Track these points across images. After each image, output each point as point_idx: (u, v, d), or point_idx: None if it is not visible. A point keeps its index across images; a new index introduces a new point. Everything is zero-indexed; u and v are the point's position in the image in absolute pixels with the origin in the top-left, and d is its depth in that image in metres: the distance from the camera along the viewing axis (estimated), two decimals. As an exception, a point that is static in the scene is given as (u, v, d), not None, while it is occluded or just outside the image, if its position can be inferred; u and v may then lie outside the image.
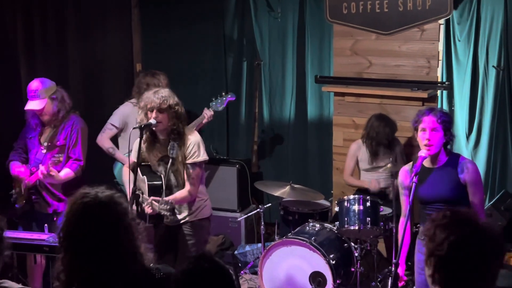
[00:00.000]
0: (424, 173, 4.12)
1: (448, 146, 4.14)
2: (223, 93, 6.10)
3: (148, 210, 4.42)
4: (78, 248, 2.38)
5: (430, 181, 4.11)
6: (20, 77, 6.10)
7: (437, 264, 2.12)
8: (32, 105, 4.91)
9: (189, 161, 4.59)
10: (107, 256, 2.37)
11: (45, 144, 5.00)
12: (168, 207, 4.33)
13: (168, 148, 4.50)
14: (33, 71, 6.12)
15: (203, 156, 4.65)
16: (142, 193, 4.52)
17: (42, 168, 4.83)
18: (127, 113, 5.72)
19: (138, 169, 4.58)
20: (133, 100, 5.74)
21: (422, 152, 4.13)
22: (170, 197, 4.46)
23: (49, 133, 5.04)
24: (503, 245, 2.18)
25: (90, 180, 4.82)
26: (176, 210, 4.51)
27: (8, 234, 4.72)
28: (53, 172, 4.83)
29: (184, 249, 4.67)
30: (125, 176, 4.78)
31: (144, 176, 4.57)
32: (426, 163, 4.14)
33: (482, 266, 2.09)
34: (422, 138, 4.06)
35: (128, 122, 5.62)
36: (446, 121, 4.03)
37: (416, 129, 4.10)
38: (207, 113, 5.91)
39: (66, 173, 4.97)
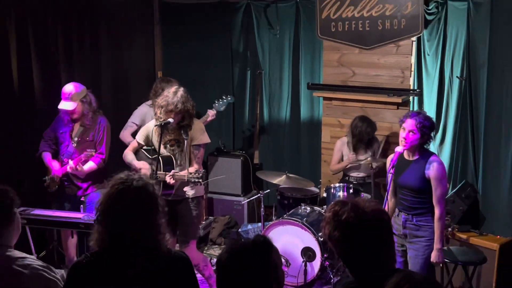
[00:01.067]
0: (403, 164, 4.17)
1: (426, 146, 4.16)
2: (224, 97, 6.09)
3: (171, 181, 4.42)
4: (111, 223, 2.37)
5: (405, 171, 4.14)
6: (61, 81, 6.08)
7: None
8: (65, 105, 4.90)
9: (194, 142, 4.61)
10: (134, 231, 2.35)
11: (76, 139, 5.01)
12: (200, 174, 4.35)
13: (181, 132, 4.53)
14: (71, 76, 6.11)
15: (205, 139, 4.69)
16: (156, 172, 4.49)
17: (71, 163, 4.85)
18: (145, 113, 5.72)
19: (144, 151, 4.65)
20: (149, 102, 5.74)
21: (398, 148, 4.17)
22: (185, 171, 4.44)
23: (79, 130, 5.02)
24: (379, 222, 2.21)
25: (113, 168, 4.88)
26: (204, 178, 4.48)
27: (50, 213, 4.82)
28: (80, 167, 4.83)
29: (186, 220, 4.64)
30: (129, 156, 4.76)
31: (159, 156, 4.52)
32: (407, 156, 4.17)
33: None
34: (400, 135, 4.10)
35: (145, 120, 5.61)
36: (426, 126, 4.03)
37: (400, 125, 4.13)
38: (211, 113, 5.92)
39: (90, 166, 4.94)
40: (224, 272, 2.17)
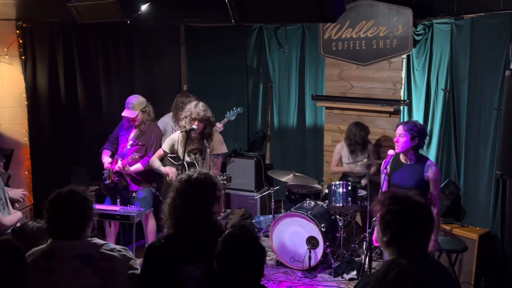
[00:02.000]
0: (399, 166, 4.15)
1: (420, 150, 4.14)
2: (234, 108, 6.03)
3: None
4: (177, 205, 2.50)
5: (401, 173, 4.12)
6: (100, 94, 6.14)
7: (384, 229, 2.16)
8: (127, 113, 4.99)
9: (214, 152, 4.63)
10: (197, 211, 2.48)
11: (130, 142, 5.05)
12: (225, 176, 4.40)
13: (204, 142, 4.55)
14: (110, 90, 6.18)
15: (224, 149, 4.75)
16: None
17: (119, 163, 4.92)
18: (166, 123, 5.71)
19: (170, 158, 4.65)
20: (170, 114, 5.74)
21: (391, 151, 4.15)
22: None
23: (135, 135, 5.07)
24: (429, 215, 2.18)
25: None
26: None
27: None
28: (127, 168, 4.91)
29: None
30: (156, 163, 4.80)
31: (184, 163, 4.56)
32: (402, 159, 4.15)
33: (415, 230, 2.12)
34: (394, 140, 4.11)
35: (166, 129, 5.61)
36: (413, 130, 4.02)
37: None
38: (218, 125, 5.75)
39: (136, 167, 4.99)
40: (221, 262, 2.20)
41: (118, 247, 2.54)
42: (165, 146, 4.78)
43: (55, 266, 2.38)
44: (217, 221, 2.58)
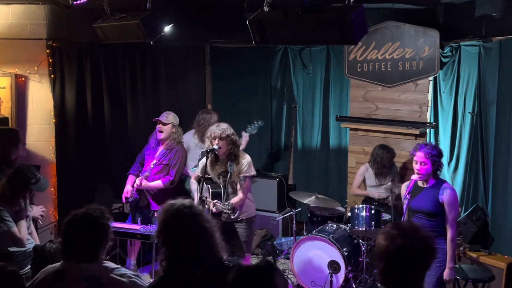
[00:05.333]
0: (417, 190, 4.03)
1: (438, 172, 4.02)
2: (255, 121, 5.96)
3: (213, 209, 4.43)
4: (169, 243, 2.34)
5: (419, 197, 4.01)
6: (126, 113, 6.22)
7: (381, 265, 2.07)
8: (161, 117, 5.10)
9: (242, 174, 4.58)
10: (189, 248, 2.31)
11: (154, 161, 5.08)
12: (230, 207, 4.35)
13: (228, 165, 4.51)
14: (136, 109, 6.25)
15: (252, 172, 4.66)
16: (206, 198, 4.52)
17: (137, 181, 4.95)
18: (188, 140, 5.71)
19: (203, 181, 4.59)
20: (192, 131, 5.77)
21: (414, 176, 4.04)
22: (230, 201, 4.47)
23: (160, 153, 5.11)
24: (431, 251, 2.08)
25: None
26: (234, 210, 4.46)
27: (113, 224, 4.87)
28: (144, 183, 4.97)
29: (240, 237, 4.65)
30: (193, 186, 4.81)
31: (208, 186, 4.57)
32: (420, 183, 4.04)
33: (414, 266, 2.03)
34: (414, 168, 3.99)
35: (189, 146, 5.63)
36: (434, 155, 3.91)
37: (412, 159, 4.02)
38: (244, 135, 5.77)
39: (156, 184, 5.02)
40: None
41: (130, 272, 2.51)
42: (199, 169, 4.76)
43: (63, 287, 2.39)
44: (218, 257, 2.38)
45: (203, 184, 4.51)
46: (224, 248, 2.41)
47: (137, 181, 4.97)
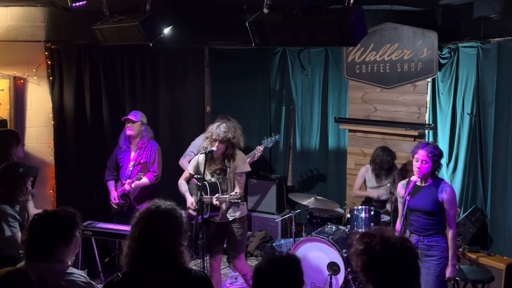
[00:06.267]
0: (416, 189, 4.04)
1: (436, 172, 4.03)
2: (273, 134, 6.01)
3: (217, 203, 4.46)
4: (139, 239, 2.30)
5: (417, 196, 4.01)
6: (125, 115, 6.14)
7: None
8: (130, 116, 5.20)
9: (238, 170, 4.61)
10: (156, 248, 2.28)
11: (132, 163, 5.11)
12: (238, 196, 4.39)
13: (225, 162, 4.53)
14: (134, 110, 6.22)
15: (247, 168, 4.72)
16: (203, 195, 4.49)
17: (126, 185, 5.03)
18: (200, 144, 5.71)
19: (203, 181, 4.59)
20: (204, 135, 5.75)
21: (414, 177, 4.05)
22: (234, 191, 4.51)
23: (134, 155, 5.16)
24: (411, 255, 2.09)
25: (169, 188, 4.93)
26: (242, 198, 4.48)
27: (111, 226, 4.89)
28: (134, 184, 5.05)
29: (235, 237, 4.68)
30: (183, 187, 4.79)
31: (205, 183, 4.56)
32: (418, 182, 4.05)
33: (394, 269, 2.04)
34: (414, 166, 3.99)
35: (201, 150, 5.62)
36: (436, 155, 3.93)
37: (413, 156, 4.02)
38: (259, 149, 5.78)
39: (143, 182, 5.10)
40: (261, 277, 2.22)
41: (81, 280, 2.46)
42: (190, 168, 4.79)
43: None
44: (176, 262, 2.32)
45: (205, 182, 4.53)
46: (187, 254, 2.36)
47: (126, 186, 5.02)
